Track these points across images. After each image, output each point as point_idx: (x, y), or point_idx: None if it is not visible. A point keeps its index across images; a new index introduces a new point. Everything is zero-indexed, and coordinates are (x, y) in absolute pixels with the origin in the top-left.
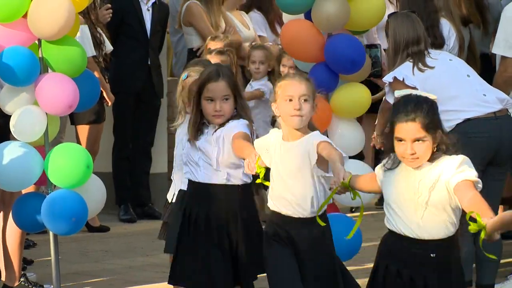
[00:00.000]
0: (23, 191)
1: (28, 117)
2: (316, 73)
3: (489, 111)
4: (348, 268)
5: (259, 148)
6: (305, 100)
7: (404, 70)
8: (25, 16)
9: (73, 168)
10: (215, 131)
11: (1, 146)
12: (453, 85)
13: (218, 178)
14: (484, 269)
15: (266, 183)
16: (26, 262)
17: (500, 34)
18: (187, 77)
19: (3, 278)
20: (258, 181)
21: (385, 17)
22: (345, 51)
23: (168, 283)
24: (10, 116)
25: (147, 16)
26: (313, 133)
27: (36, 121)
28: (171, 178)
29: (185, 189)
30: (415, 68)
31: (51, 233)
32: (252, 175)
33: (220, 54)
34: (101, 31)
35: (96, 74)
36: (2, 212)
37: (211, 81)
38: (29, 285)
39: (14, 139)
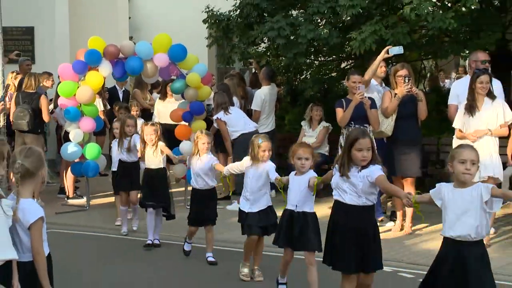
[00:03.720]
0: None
1: (77, 133)
2: (186, 115)
3: (251, 130)
4: None
5: (435, 195)
6: (473, 164)
7: (220, 114)
8: (74, 95)
9: (93, 152)
10: (360, 170)
11: (66, 144)
12: (238, 120)
13: (359, 201)
14: None
15: (418, 213)
16: (75, 188)
17: (253, 103)
18: (261, 142)
19: (67, 194)
20: (416, 208)
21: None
22: (198, 108)
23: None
24: (69, 132)
25: (121, 96)
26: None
27: (79, 134)
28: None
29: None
30: (225, 113)
31: (85, 177)
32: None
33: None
34: (105, 101)
35: (102, 116)
36: (65, 170)
37: (361, 137)
38: (77, 196)
39: (70, 141)
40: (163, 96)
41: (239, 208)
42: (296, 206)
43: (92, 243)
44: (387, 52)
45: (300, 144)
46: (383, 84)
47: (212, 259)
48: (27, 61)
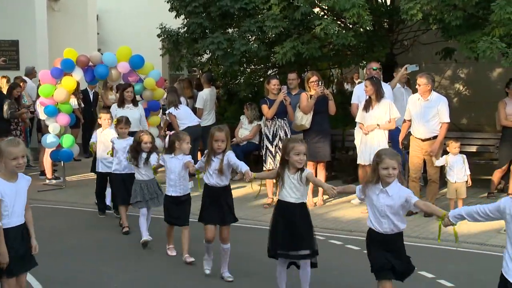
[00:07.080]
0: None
1: (54, 126)
2: (146, 111)
3: (195, 124)
4: None
5: None
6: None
7: (172, 109)
8: (52, 95)
9: (68, 141)
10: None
11: (45, 135)
12: (186, 115)
13: None
14: None
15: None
16: (54, 170)
17: (197, 102)
18: None
19: (46, 176)
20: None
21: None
22: (154, 106)
23: None
24: (48, 125)
25: (91, 97)
26: None
27: (57, 127)
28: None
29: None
30: (175, 109)
31: (62, 162)
32: None
33: None
34: (80, 100)
35: (78, 113)
36: (44, 156)
37: None
38: (55, 178)
39: (49, 133)
40: (121, 103)
41: None
42: None
43: (68, 215)
44: (406, 69)
45: None
46: (405, 86)
47: None
48: (34, 70)
